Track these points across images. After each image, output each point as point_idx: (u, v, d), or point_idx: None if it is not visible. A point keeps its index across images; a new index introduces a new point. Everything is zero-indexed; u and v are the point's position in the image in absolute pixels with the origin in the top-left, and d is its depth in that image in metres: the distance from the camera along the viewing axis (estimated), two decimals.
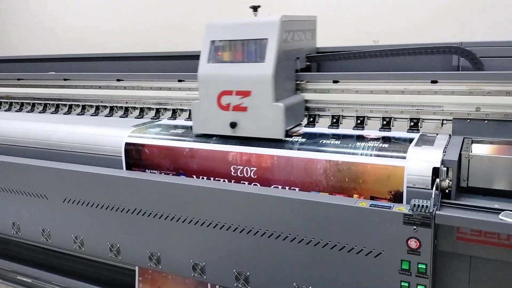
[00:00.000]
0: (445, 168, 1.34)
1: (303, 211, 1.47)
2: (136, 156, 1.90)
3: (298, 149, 1.60)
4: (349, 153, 1.51)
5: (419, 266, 1.31)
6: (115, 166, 1.95)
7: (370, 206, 1.37)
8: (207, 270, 1.71)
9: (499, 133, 1.53)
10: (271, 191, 1.58)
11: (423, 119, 1.66)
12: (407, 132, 1.67)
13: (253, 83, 1.67)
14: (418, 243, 1.30)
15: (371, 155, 1.48)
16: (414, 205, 1.28)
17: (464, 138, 1.55)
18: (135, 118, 2.30)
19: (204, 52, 1.78)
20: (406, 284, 1.34)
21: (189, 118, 2.15)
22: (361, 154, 1.49)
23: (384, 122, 1.73)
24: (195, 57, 1.86)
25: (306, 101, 1.84)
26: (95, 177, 1.88)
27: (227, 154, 1.71)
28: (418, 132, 1.66)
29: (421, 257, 1.31)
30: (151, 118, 2.25)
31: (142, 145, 1.88)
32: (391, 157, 1.45)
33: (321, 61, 2.02)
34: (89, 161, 2.01)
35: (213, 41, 1.77)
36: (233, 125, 1.71)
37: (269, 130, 1.67)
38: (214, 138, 1.79)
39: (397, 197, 1.42)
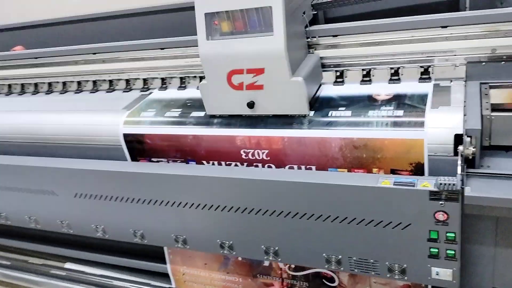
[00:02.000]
0: (468, 138, 1.28)
1: (326, 194, 1.45)
2: (138, 147, 1.82)
3: (309, 128, 1.53)
4: (363, 128, 1.44)
5: (447, 235, 1.34)
6: (118, 155, 1.88)
7: (394, 184, 1.35)
8: (236, 247, 1.75)
9: None
10: (289, 175, 1.53)
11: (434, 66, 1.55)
12: (419, 82, 1.57)
13: (265, 59, 1.51)
14: (446, 215, 1.31)
15: (386, 129, 1.41)
16: (441, 183, 1.26)
17: (481, 84, 1.47)
18: (123, 91, 2.16)
19: (200, 27, 1.57)
20: (436, 251, 1.38)
21: (181, 86, 2.02)
22: (376, 127, 1.43)
23: (393, 71, 1.63)
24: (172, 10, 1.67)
25: (321, 58, 1.70)
26: (103, 174, 1.83)
27: (235, 138, 1.63)
28: (430, 81, 1.56)
29: (449, 227, 1.33)
30: (140, 91, 2.11)
31: (142, 135, 1.79)
32: (408, 129, 1.38)
33: (329, 8, 1.81)
34: (88, 152, 1.94)
35: (207, 14, 1.55)
36: (250, 105, 1.58)
37: (291, 106, 1.56)
38: (219, 119, 1.69)
39: (418, 168, 1.39)
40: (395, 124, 1.42)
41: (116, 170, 1.79)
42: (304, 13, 1.64)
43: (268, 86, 1.54)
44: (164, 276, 2.13)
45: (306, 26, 1.67)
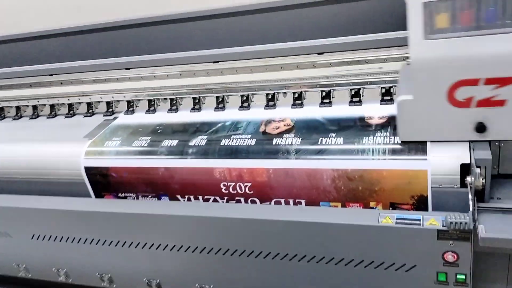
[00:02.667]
0: (478, 169, 1.14)
1: (319, 233, 1.28)
2: (102, 181, 1.61)
3: (296, 158, 1.36)
4: (357, 158, 1.28)
5: (457, 277, 1.19)
6: (80, 190, 1.66)
7: (396, 223, 1.19)
8: None
9: None
10: (277, 212, 1.36)
11: None
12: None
13: None
14: (455, 256, 1.16)
15: (384, 159, 1.26)
16: (451, 222, 1.11)
17: None
18: (84, 116, 1.94)
19: (416, 21, 1.14)
20: None
21: (150, 110, 1.82)
22: (372, 158, 1.27)
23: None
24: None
25: None
26: (63, 214, 1.60)
27: (213, 170, 1.44)
28: None
29: (459, 268, 1.18)
30: (104, 115, 1.90)
31: (107, 169, 1.58)
32: (409, 159, 1.23)
33: None
34: (46, 187, 1.71)
35: (427, 3, 1.12)
36: (481, 128, 1.17)
37: None
38: (190, 150, 1.50)
39: (421, 202, 1.24)
40: (394, 152, 1.26)
41: (77, 210, 1.57)
42: None
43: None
44: None
45: None
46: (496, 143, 1.20)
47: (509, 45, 1.09)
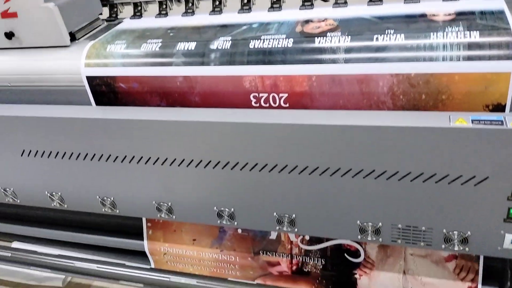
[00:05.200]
0: None
1: (370, 140, 1.08)
2: (108, 94, 1.37)
3: (345, 62, 1.13)
4: (424, 58, 1.07)
5: None
6: (80, 98, 1.43)
7: (472, 124, 0.99)
8: (238, 216, 1.36)
9: None
10: (318, 117, 1.14)
11: None
12: None
13: None
14: None
15: (458, 59, 1.04)
16: None
17: None
18: None
19: None
20: None
21: (160, 14, 1.56)
22: (443, 57, 1.05)
23: None
24: None
25: None
26: (59, 123, 1.36)
27: (242, 79, 1.22)
28: None
29: None
30: (106, 20, 1.64)
31: (113, 78, 1.34)
32: (489, 58, 1.02)
33: None
34: (38, 96, 1.47)
35: None
36: (8, 35, 1.45)
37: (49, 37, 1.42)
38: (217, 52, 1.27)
39: (497, 112, 1.04)
40: (470, 49, 1.04)
41: (75, 117, 1.34)
42: None
43: (22, 13, 1.41)
44: (141, 255, 1.71)
45: None
46: None
47: None
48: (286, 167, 1.20)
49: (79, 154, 1.40)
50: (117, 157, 1.36)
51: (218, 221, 1.38)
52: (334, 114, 1.15)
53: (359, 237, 1.25)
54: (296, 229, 1.31)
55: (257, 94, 1.24)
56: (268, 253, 1.59)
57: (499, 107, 1.04)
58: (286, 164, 1.20)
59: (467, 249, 1.16)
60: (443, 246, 1.17)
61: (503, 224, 1.08)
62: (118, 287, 1.80)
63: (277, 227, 1.33)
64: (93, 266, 1.47)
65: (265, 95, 1.23)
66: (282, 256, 1.57)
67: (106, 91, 1.38)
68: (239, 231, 1.60)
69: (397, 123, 1.04)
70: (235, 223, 1.37)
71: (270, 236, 1.56)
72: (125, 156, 1.35)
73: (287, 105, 1.23)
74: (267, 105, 1.24)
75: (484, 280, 1.36)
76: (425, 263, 1.39)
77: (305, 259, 1.55)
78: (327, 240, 1.49)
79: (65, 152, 1.42)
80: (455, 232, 1.14)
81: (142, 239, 1.73)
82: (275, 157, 1.20)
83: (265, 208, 1.30)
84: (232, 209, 1.34)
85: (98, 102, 1.41)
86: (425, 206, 1.13)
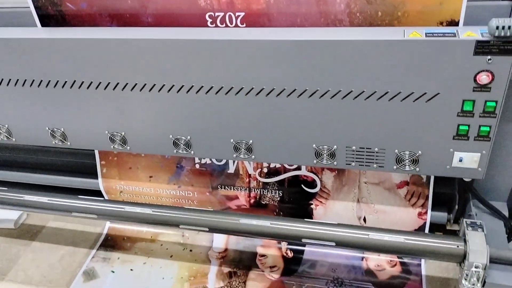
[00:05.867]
0: None
1: (324, 57, 1.06)
2: (55, 16, 1.28)
3: None
4: None
5: (487, 104, 1.03)
6: (25, 21, 1.34)
7: (426, 36, 0.99)
8: (194, 144, 1.33)
9: None
10: (275, 34, 1.12)
11: None
12: None
13: None
14: (491, 76, 0.99)
15: None
16: (497, 27, 0.92)
17: None
18: None
19: None
20: (466, 128, 1.08)
21: None
22: None
23: None
24: None
25: None
26: (6, 44, 1.28)
27: None
28: None
29: (490, 94, 1.02)
30: None
31: None
32: None
33: None
34: None
35: None
36: None
37: None
38: None
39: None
40: None
41: (19, 37, 1.25)
42: None
43: None
44: (97, 195, 1.67)
45: None
46: None
47: None
48: (242, 89, 1.18)
49: (25, 80, 1.32)
50: (65, 82, 1.29)
51: (175, 151, 1.36)
52: (290, 30, 1.12)
53: (314, 161, 1.25)
54: (253, 156, 1.30)
55: (213, 14, 1.19)
56: (226, 187, 1.59)
57: (453, 23, 1.04)
58: (242, 86, 1.17)
59: (417, 169, 1.18)
60: (394, 167, 1.19)
61: (452, 142, 1.11)
62: (73, 226, 1.76)
63: (234, 155, 1.31)
64: (44, 199, 1.41)
65: (221, 14, 1.19)
66: (240, 189, 1.57)
67: (52, 12, 1.29)
68: (197, 166, 1.58)
69: (351, 37, 1.03)
70: (192, 152, 1.35)
71: (229, 170, 1.56)
72: (74, 81, 1.28)
73: (244, 25, 1.19)
74: (224, 25, 1.21)
75: (433, 205, 1.41)
76: (378, 190, 1.43)
77: (263, 192, 1.55)
78: (285, 171, 1.49)
79: (10, 79, 1.33)
80: (407, 152, 1.16)
81: (97, 178, 1.68)
82: (231, 79, 1.17)
83: (221, 135, 1.28)
84: (189, 137, 1.32)
85: (45, 25, 1.32)
86: (378, 126, 1.14)
